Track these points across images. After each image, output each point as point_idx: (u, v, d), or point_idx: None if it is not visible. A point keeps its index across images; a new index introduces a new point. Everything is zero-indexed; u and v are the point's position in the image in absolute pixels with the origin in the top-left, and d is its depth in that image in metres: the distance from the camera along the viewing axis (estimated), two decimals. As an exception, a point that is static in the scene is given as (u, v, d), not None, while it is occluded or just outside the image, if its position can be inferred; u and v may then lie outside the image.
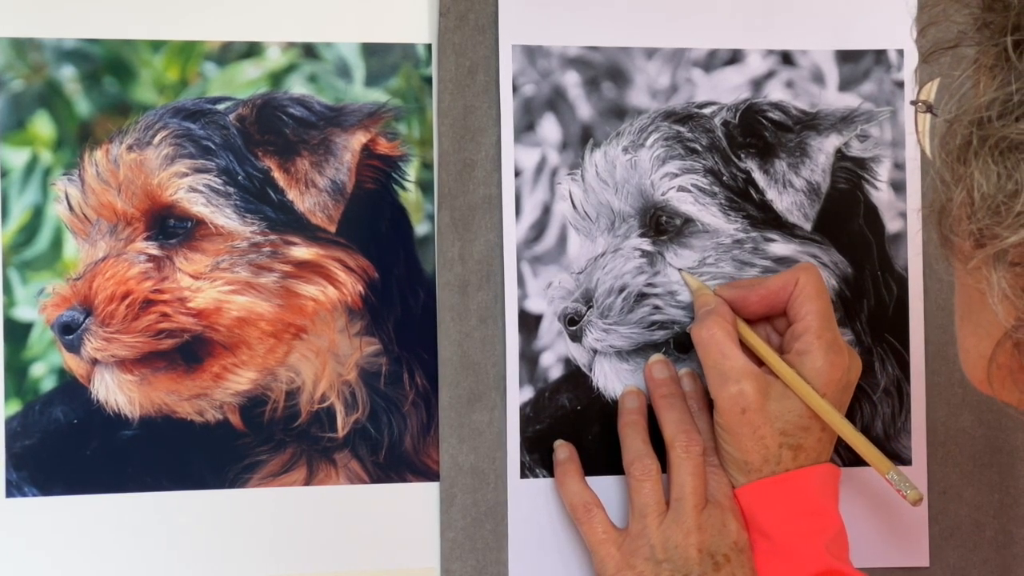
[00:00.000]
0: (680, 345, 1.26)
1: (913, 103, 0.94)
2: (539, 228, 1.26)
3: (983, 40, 0.86)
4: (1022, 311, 0.85)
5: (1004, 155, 0.83)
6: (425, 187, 1.25)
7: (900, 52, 1.29)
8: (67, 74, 1.21)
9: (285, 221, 1.23)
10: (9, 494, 1.20)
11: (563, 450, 1.25)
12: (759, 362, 1.21)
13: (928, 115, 0.91)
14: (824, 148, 1.27)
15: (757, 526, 1.20)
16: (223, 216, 1.22)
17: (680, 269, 1.25)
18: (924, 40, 0.92)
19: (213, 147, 1.22)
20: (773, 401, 1.19)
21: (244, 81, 1.24)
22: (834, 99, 1.28)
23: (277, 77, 1.24)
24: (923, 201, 1.27)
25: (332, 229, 1.23)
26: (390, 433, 1.25)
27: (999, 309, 0.85)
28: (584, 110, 1.26)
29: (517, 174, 1.25)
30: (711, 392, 1.20)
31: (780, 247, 1.26)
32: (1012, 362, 0.88)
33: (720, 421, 1.20)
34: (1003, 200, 0.83)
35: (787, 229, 1.26)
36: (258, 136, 1.23)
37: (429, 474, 1.25)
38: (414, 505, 1.25)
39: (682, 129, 1.26)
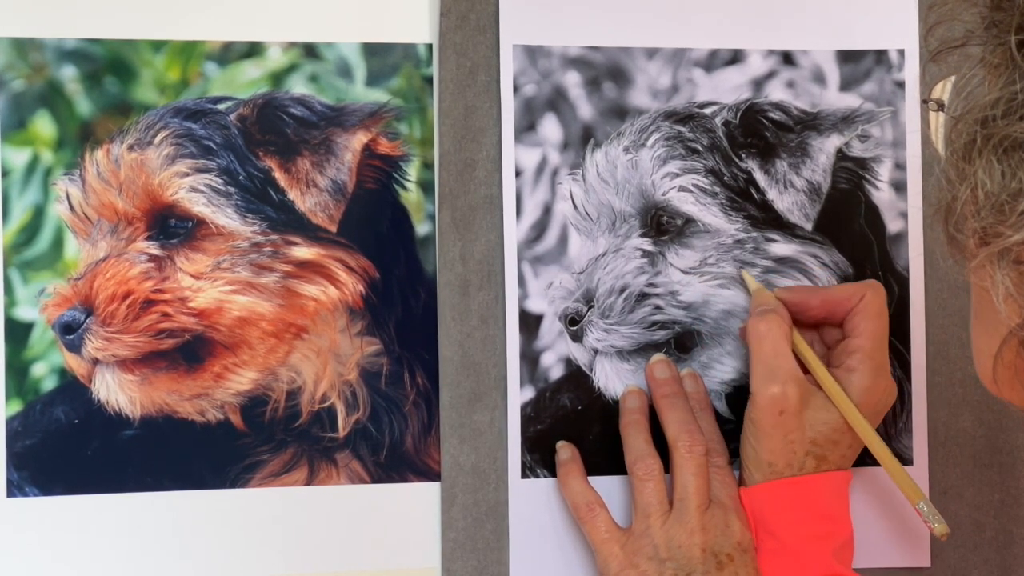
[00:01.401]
0: (681, 345, 1.26)
1: (925, 101, 0.94)
2: (540, 228, 1.26)
3: (990, 39, 0.86)
4: None
5: (1008, 154, 0.83)
6: (426, 187, 1.25)
7: (901, 52, 1.29)
8: (68, 74, 1.21)
9: (286, 221, 1.22)
10: (10, 494, 1.20)
11: (565, 450, 1.25)
12: (805, 369, 1.21)
13: (940, 114, 0.91)
14: (825, 148, 1.27)
15: (766, 526, 1.20)
16: (224, 216, 1.22)
17: (740, 269, 1.25)
18: (932, 38, 0.92)
19: (214, 147, 1.22)
20: (811, 410, 1.19)
21: (245, 81, 1.24)
22: (835, 99, 1.29)
23: (278, 77, 1.24)
24: (929, 200, 1.28)
25: (333, 229, 1.23)
26: (391, 433, 1.25)
27: (1003, 307, 0.85)
28: (585, 110, 1.26)
29: (518, 174, 1.25)
30: (752, 387, 1.19)
31: (781, 247, 1.26)
32: (1018, 360, 0.88)
33: (754, 416, 1.19)
34: (1007, 199, 0.83)
35: (788, 229, 1.26)
36: (259, 136, 1.23)
37: (430, 474, 1.25)
38: (415, 505, 1.25)
39: (683, 129, 1.26)
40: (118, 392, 1.21)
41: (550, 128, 1.26)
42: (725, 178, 1.26)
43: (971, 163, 0.85)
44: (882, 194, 1.29)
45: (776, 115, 1.27)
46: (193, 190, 1.21)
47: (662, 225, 1.25)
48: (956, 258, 0.90)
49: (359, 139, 1.24)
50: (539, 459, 1.25)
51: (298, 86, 1.24)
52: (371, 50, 1.25)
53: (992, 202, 0.84)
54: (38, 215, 1.21)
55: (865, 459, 1.22)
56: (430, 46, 1.26)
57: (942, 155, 0.90)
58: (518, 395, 1.25)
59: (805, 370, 1.21)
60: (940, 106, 0.92)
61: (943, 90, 0.92)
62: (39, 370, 1.21)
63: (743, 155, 1.26)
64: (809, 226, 1.27)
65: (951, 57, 0.90)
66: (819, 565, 1.18)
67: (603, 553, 1.21)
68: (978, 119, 0.84)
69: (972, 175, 0.85)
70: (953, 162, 0.86)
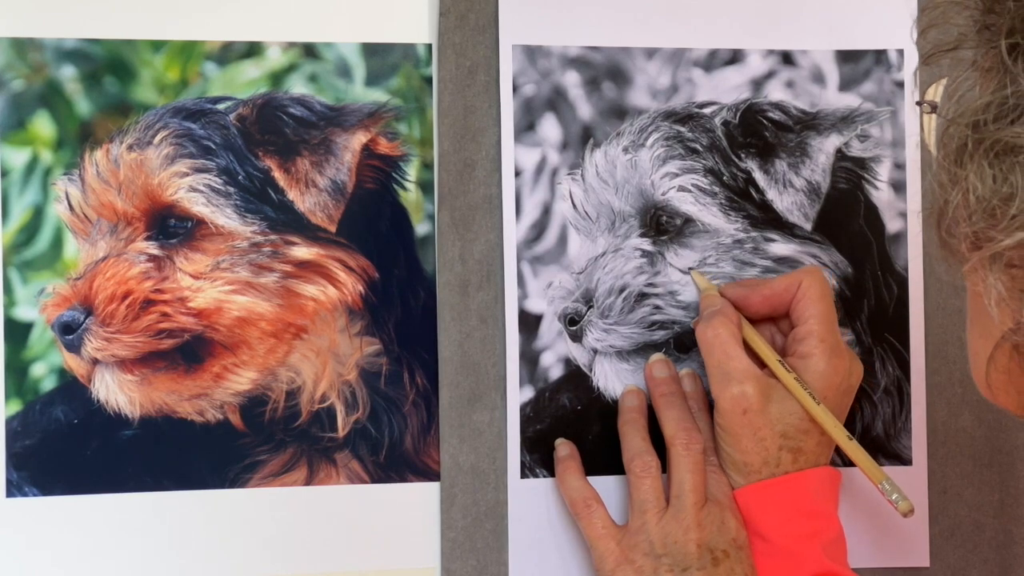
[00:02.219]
0: (680, 345, 1.26)
1: (919, 103, 0.94)
2: (539, 228, 1.26)
3: (982, 43, 0.86)
4: (1018, 313, 0.85)
5: (999, 158, 0.83)
6: (425, 187, 1.25)
7: (900, 52, 1.29)
8: (67, 74, 1.21)
9: (285, 221, 1.23)
10: (9, 494, 1.20)
11: (564, 447, 1.25)
12: (761, 364, 1.21)
13: (934, 116, 0.91)
14: (824, 148, 1.27)
15: (755, 528, 1.20)
16: (223, 216, 1.22)
17: (690, 269, 1.25)
18: (924, 42, 0.92)
19: (213, 147, 1.22)
20: (774, 404, 1.19)
21: (244, 81, 1.24)
22: (834, 99, 1.28)
23: (277, 77, 1.24)
24: (923, 203, 1.28)
25: (332, 229, 1.23)
26: (390, 433, 1.25)
27: (995, 312, 0.85)
28: (584, 110, 1.26)
29: (517, 174, 1.25)
30: (713, 392, 1.20)
31: (780, 247, 1.26)
32: (1011, 365, 0.88)
33: (721, 422, 1.20)
34: (998, 203, 0.83)
35: (787, 229, 1.26)
36: (258, 136, 1.23)
37: (429, 474, 1.25)
38: (414, 505, 1.25)
39: (682, 129, 1.26)
40: (117, 392, 1.21)
41: (549, 128, 1.26)
42: (724, 178, 1.26)
43: (963, 167, 0.85)
44: (881, 194, 1.29)
45: (775, 115, 1.27)
46: (192, 190, 1.21)
47: (661, 225, 1.25)
48: (949, 262, 0.90)
49: (358, 139, 1.24)
50: (538, 459, 1.25)
51: (297, 86, 1.24)
52: (370, 50, 1.25)
53: (983, 206, 0.84)
54: (38, 215, 1.21)
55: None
56: (429, 46, 1.26)
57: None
58: (517, 395, 1.25)
59: (763, 364, 1.21)
60: (934, 108, 0.92)
61: (937, 92, 0.92)
62: (38, 370, 1.21)
63: (742, 155, 1.26)
64: (808, 226, 1.27)
65: (944, 60, 0.90)
66: (811, 563, 1.18)
67: (599, 549, 1.21)
68: (969, 123, 0.84)
69: (964, 179, 0.85)
70: (945, 166, 0.86)
